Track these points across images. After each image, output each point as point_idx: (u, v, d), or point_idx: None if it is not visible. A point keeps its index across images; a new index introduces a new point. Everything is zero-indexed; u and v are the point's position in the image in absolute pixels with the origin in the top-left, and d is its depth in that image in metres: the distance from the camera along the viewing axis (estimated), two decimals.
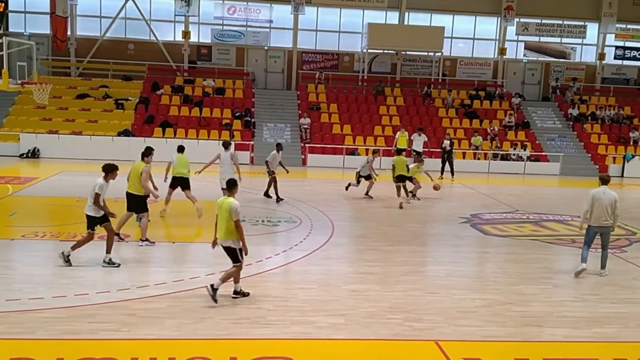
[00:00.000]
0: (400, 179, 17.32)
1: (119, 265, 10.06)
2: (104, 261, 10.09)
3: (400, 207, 16.74)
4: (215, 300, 8.34)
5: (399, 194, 17.25)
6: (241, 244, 8.51)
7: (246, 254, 8.64)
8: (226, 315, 8.05)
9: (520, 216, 16.59)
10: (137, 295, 8.63)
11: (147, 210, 11.70)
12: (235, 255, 8.57)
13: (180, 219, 14.58)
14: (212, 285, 8.46)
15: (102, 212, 9.92)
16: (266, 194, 16.97)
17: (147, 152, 11.86)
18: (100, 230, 10.10)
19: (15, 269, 9.99)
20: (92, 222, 10.03)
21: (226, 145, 15.38)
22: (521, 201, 19.25)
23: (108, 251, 10.15)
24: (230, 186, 8.78)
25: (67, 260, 9.92)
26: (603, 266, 11.06)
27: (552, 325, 8.31)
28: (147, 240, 11.53)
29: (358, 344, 7.50)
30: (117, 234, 11.56)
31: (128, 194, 11.68)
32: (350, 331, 7.79)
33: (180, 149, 14.49)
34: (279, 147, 17.35)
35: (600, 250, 11.05)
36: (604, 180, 11.32)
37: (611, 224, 10.84)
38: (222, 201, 8.57)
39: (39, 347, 6.95)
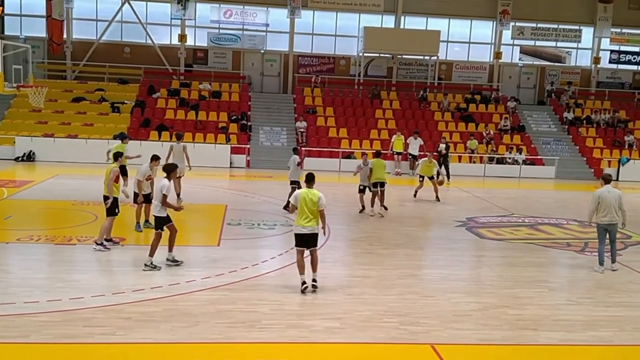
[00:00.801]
0: (377, 185, 15.97)
1: (181, 263, 10.49)
2: (167, 259, 10.47)
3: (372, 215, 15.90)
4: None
5: (373, 202, 16.00)
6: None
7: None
8: (222, 319, 8.05)
9: (515, 220, 16.62)
10: (133, 299, 8.61)
11: (114, 214, 11.38)
12: (317, 240, 9.63)
13: (175, 223, 14.54)
14: (313, 282, 9.35)
15: (166, 213, 10.35)
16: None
17: (116, 156, 11.82)
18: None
19: (11, 273, 9.97)
20: (160, 222, 10.40)
21: (179, 137, 17.01)
22: (517, 205, 19.29)
23: (170, 250, 10.53)
24: (309, 180, 10.10)
25: (155, 267, 10.18)
26: (613, 260, 11.65)
27: (547, 329, 8.33)
28: (102, 244, 11.23)
29: (354, 348, 7.50)
30: (111, 239, 11.53)
31: (104, 197, 11.44)
32: (346, 335, 7.79)
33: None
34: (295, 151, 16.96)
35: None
36: (607, 180, 11.75)
37: (618, 220, 11.42)
38: (307, 192, 9.65)
39: (34, 351, 6.94)
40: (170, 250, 10.54)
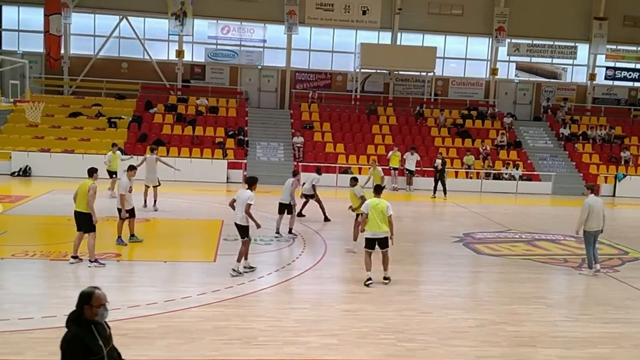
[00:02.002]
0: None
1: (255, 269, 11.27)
2: (244, 267, 11.14)
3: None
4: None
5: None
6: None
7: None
8: (218, 335, 7.99)
9: (512, 235, 16.61)
10: (128, 315, 8.55)
11: (94, 229, 11.29)
12: (387, 242, 10.88)
13: (171, 239, 14.52)
14: (386, 278, 10.93)
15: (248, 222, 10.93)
16: (325, 219, 17.25)
17: (91, 172, 11.65)
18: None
19: (5, 289, 9.90)
20: (244, 230, 11.00)
21: (152, 150, 18.79)
22: (514, 220, 19.29)
23: (246, 258, 11.24)
24: (378, 191, 11.43)
25: (240, 273, 10.97)
26: (597, 260, 12.43)
27: (545, 346, 8.29)
28: (96, 261, 11.16)
29: None
30: (75, 257, 11.28)
31: (76, 213, 11.28)
32: (343, 351, 7.73)
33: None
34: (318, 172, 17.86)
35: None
36: (592, 189, 12.86)
37: (602, 226, 12.40)
38: (377, 202, 10.87)
39: None
40: (246, 258, 11.23)
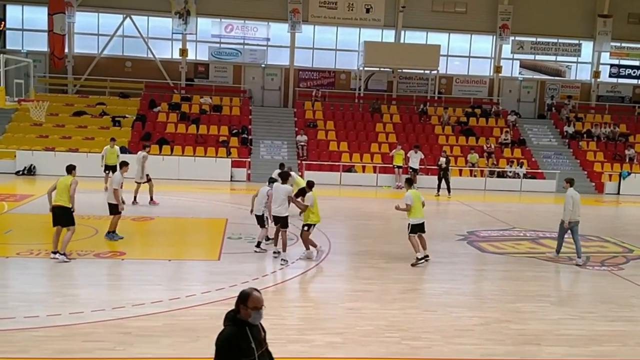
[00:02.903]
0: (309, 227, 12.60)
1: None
2: (282, 260, 12.00)
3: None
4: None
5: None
6: None
7: None
8: None
9: (517, 233, 16.58)
10: (133, 314, 8.56)
11: (74, 224, 11.58)
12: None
13: (176, 237, 14.54)
14: (427, 255, 12.34)
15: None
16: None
17: (70, 169, 11.91)
18: (93, 246, 10.01)
19: (10, 287, 9.93)
20: (284, 221, 12.11)
21: (144, 147, 19.21)
22: (518, 218, 19.26)
23: (284, 250, 12.06)
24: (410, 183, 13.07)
25: (287, 261, 11.95)
26: (579, 255, 13.11)
27: (550, 344, 8.27)
28: (64, 254, 11.25)
29: None
30: (56, 252, 11.38)
31: (56, 208, 11.45)
32: (347, 350, 7.73)
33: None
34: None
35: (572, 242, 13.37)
36: (572, 182, 13.70)
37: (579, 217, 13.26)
38: (417, 192, 12.54)
39: None
40: (283, 250, 12.12)
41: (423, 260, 12.33)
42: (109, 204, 13.31)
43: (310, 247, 12.51)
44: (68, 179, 11.58)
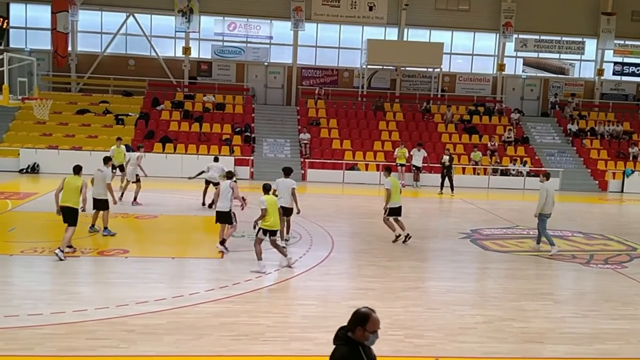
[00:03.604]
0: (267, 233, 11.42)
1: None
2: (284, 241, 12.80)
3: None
4: None
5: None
6: None
7: None
8: (225, 331, 8.01)
9: (520, 232, 16.56)
10: (136, 311, 8.59)
11: (76, 224, 11.78)
12: None
13: (179, 235, 14.56)
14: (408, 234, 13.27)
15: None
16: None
17: (79, 168, 12.20)
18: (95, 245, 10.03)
19: (14, 285, 9.97)
20: (289, 211, 13.02)
21: (139, 147, 19.51)
22: (521, 216, 19.21)
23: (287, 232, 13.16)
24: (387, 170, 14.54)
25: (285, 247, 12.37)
26: (538, 242, 14.17)
27: (553, 342, 8.27)
28: (62, 251, 11.38)
29: None
30: (70, 246, 11.71)
31: (66, 209, 11.61)
32: None
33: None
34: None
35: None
36: (548, 176, 14.39)
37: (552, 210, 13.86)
38: (396, 180, 14.14)
39: None
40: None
41: (405, 239, 13.81)
42: (99, 200, 13.39)
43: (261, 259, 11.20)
44: (78, 180, 11.76)
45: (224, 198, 12.31)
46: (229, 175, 12.96)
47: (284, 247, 12.06)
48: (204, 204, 17.80)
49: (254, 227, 11.34)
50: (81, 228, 12.95)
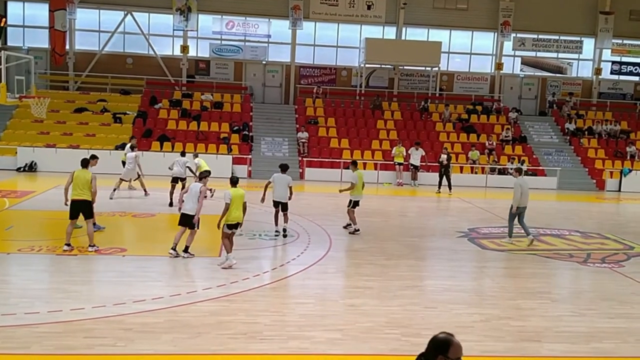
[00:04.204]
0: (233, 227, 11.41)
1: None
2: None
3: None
4: None
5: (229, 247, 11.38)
6: None
7: None
8: (223, 330, 8.01)
9: (517, 230, 16.54)
10: (134, 310, 8.58)
11: (93, 216, 12.16)
12: None
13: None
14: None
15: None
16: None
17: (87, 161, 12.35)
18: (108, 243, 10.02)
19: (11, 283, 9.95)
20: (286, 206, 14.02)
21: (132, 147, 19.75)
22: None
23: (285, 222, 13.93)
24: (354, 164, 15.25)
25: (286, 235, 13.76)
26: (528, 234, 14.52)
27: (550, 340, 8.28)
28: (94, 245, 11.78)
29: (355, 359, 7.46)
30: (68, 244, 11.78)
31: (81, 202, 11.78)
32: (347, 346, 7.75)
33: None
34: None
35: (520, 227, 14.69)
36: (521, 171, 15.12)
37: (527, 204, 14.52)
38: (362, 174, 14.98)
39: None
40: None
41: (354, 231, 14.69)
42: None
43: (230, 251, 11.18)
44: (87, 174, 11.94)
45: (191, 200, 11.66)
46: (202, 176, 12.30)
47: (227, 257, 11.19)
48: (171, 204, 17.27)
49: (218, 227, 11.19)
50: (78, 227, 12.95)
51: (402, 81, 34.10)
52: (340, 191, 16.00)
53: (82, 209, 11.82)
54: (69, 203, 11.98)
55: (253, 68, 33.51)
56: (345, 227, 15.23)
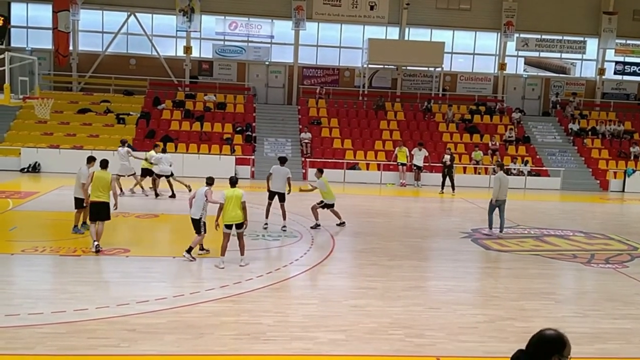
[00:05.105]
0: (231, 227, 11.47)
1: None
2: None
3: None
4: None
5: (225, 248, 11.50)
6: None
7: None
8: (226, 330, 8.01)
9: (521, 231, 16.55)
10: (137, 311, 8.58)
11: (109, 218, 12.23)
12: None
13: (180, 234, 14.54)
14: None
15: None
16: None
17: (107, 162, 12.57)
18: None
19: (15, 284, 9.96)
20: (284, 196, 14.87)
21: (123, 143, 19.86)
22: (522, 216, 19.20)
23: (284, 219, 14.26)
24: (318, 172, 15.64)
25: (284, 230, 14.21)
26: (502, 230, 15.58)
27: None
28: (98, 245, 11.78)
29: None
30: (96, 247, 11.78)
31: (101, 204, 11.88)
32: (351, 347, 7.74)
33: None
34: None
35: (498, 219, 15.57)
36: (501, 166, 16.25)
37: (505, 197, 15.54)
38: (326, 179, 14.85)
39: None
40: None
41: (316, 226, 15.04)
42: (76, 198, 13.32)
43: (223, 254, 11.30)
44: (107, 175, 12.09)
45: (197, 205, 11.64)
46: (208, 181, 12.01)
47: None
48: (157, 194, 18.94)
49: (216, 227, 11.34)
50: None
51: (405, 82, 34.07)
52: (301, 190, 16.78)
53: (100, 210, 11.88)
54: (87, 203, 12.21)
55: (256, 69, 33.52)
56: (312, 228, 15.10)
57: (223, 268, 11.03)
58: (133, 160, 19.37)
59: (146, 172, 19.18)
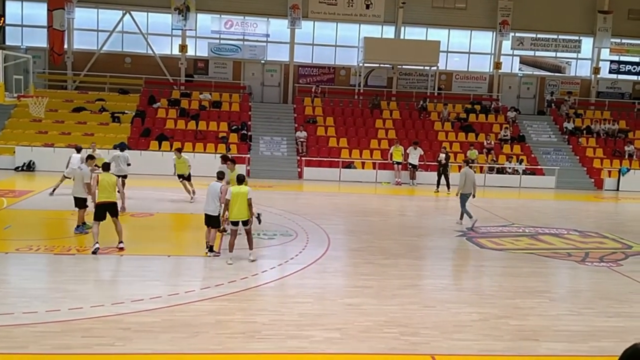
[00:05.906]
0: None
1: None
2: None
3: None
4: None
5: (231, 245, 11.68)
6: None
7: None
8: (221, 329, 8.00)
9: (516, 230, 16.59)
10: (132, 309, 8.57)
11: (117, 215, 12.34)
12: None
13: (175, 233, 14.55)
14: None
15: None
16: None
17: (108, 165, 12.81)
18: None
19: (9, 283, 9.93)
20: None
21: (78, 150, 18.16)
22: (517, 214, 19.26)
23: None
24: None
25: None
26: (460, 219, 16.74)
27: (549, 340, 8.29)
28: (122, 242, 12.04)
29: (354, 359, 7.46)
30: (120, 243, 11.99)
31: (113, 204, 12.06)
32: (346, 346, 7.75)
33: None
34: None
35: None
36: (468, 162, 17.69)
37: (474, 191, 16.65)
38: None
39: None
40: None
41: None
42: (76, 198, 13.35)
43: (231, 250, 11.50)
44: (112, 177, 12.29)
45: (212, 201, 11.82)
46: (220, 176, 12.27)
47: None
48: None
49: (220, 223, 11.72)
50: (73, 225, 12.95)
51: (400, 80, 34.10)
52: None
53: (110, 210, 12.06)
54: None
55: (252, 67, 33.50)
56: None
57: (232, 264, 11.19)
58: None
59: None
